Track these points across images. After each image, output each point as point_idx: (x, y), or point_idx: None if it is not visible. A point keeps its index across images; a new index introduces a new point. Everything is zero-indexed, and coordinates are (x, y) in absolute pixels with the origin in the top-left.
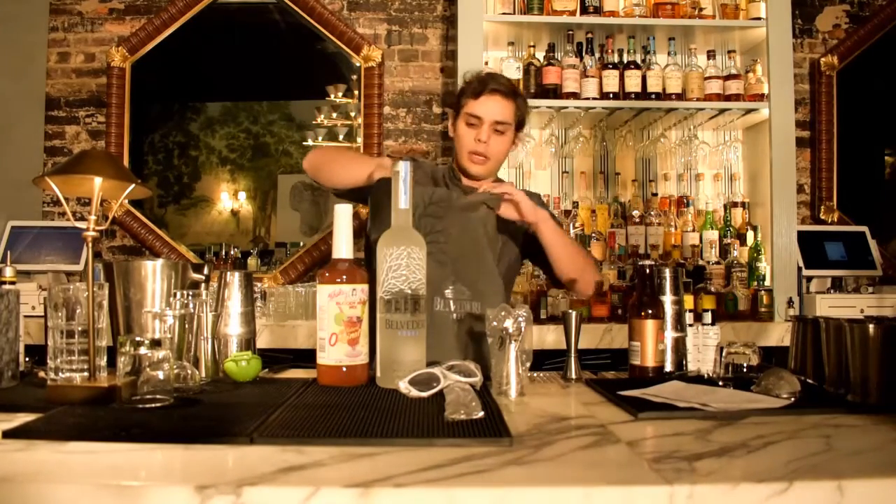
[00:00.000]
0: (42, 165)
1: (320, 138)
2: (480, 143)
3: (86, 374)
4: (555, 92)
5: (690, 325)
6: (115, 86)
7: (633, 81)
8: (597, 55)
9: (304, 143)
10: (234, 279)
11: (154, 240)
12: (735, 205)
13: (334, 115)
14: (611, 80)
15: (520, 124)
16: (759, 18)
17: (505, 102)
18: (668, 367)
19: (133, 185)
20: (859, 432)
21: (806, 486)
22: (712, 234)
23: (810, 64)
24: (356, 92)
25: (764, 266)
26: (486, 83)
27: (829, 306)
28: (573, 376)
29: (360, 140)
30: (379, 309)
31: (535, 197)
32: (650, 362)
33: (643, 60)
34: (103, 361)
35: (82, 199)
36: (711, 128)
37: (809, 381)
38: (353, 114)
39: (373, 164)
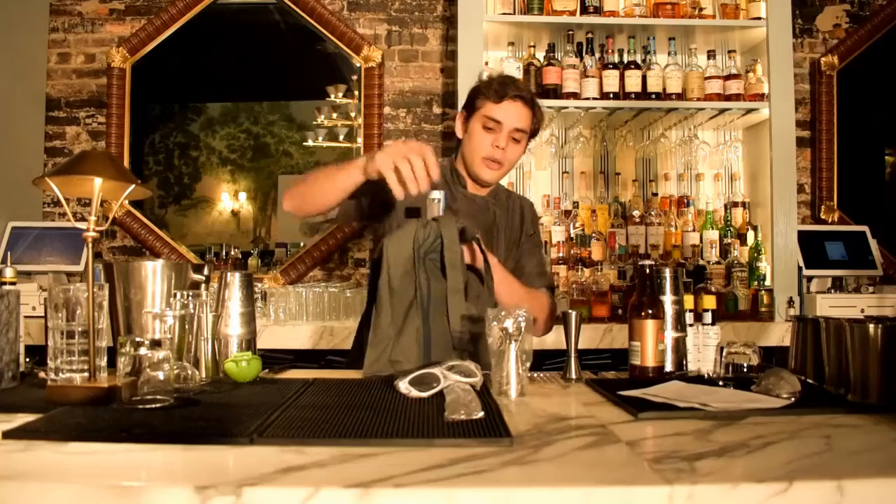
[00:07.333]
0: (42, 166)
1: (320, 138)
2: (498, 150)
3: (86, 374)
4: (555, 92)
5: (690, 325)
6: (116, 86)
7: (633, 81)
8: (597, 55)
9: (305, 144)
10: (235, 280)
11: (154, 240)
12: (735, 205)
13: (334, 115)
14: (611, 80)
15: (534, 134)
16: (759, 18)
17: (525, 110)
18: (669, 367)
19: (133, 186)
20: (859, 432)
21: (806, 486)
22: (713, 234)
23: (810, 64)
24: (356, 92)
25: (764, 266)
26: (507, 87)
27: (830, 306)
28: (573, 376)
29: (360, 140)
30: None
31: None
32: (650, 362)
33: (643, 60)
34: (103, 362)
35: (83, 199)
36: (711, 128)
37: (809, 381)
38: (353, 114)
39: (360, 160)
